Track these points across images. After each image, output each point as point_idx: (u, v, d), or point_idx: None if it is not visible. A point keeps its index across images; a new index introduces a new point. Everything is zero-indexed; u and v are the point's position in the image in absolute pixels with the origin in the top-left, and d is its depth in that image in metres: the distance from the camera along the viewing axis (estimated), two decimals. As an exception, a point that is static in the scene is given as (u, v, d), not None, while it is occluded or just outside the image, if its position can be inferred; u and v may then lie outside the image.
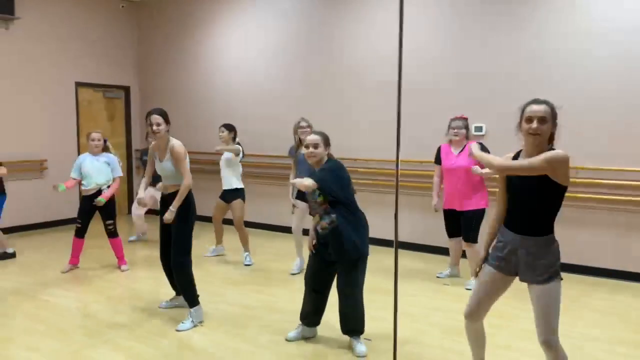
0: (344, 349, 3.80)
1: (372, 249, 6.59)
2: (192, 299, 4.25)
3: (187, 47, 8.81)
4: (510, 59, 5.94)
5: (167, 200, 4.30)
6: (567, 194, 2.70)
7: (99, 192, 5.56)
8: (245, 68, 8.14)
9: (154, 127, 4.19)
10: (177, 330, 4.09)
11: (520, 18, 5.83)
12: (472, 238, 5.08)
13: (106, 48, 8.96)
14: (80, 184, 5.65)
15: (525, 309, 4.47)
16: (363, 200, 6.86)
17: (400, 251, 6.50)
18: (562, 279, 2.68)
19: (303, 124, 5.44)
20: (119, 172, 5.73)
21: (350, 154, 6.87)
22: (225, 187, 6.03)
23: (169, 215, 4.14)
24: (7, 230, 6.87)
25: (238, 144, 6.00)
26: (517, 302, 4.54)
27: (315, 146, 3.67)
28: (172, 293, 4.71)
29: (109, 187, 5.61)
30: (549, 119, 2.59)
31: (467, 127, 5.14)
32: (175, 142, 4.25)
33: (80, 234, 5.69)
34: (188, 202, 4.23)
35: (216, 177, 7.80)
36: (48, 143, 8.12)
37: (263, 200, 7.88)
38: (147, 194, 6.69)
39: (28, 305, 4.65)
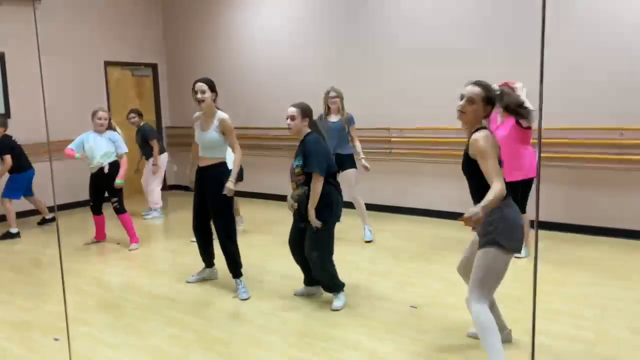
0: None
1: (409, 219, 6.68)
2: (237, 269, 4.36)
3: (212, 21, 8.74)
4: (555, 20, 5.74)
5: (203, 173, 4.29)
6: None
7: (101, 169, 5.65)
8: (272, 38, 8.04)
9: (199, 95, 4.16)
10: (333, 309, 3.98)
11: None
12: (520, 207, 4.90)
13: (132, 26, 8.95)
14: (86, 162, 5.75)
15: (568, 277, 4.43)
16: (398, 169, 6.89)
17: (440, 220, 6.51)
18: (503, 250, 2.70)
19: (332, 93, 5.51)
20: (124, 149, 5.76)
21: (383, 123, 6.80)
22: None
23: (231, 186, 4.13)
24: (49, 209, 7.02)
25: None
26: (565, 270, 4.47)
27: (292, 118, 3.84)
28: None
29: (111, 163, 5.65)
30: (478, 101, 2.72)
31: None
32: (223, 115, 4.24)
33: (96, 211, 5.88)
34: (225, 175, 4.23)
35: (250, 152, 7.83)
36: (80, 122, 8.17)
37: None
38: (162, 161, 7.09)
39: (75, 281, 4.76)
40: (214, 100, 4.26)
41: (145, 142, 7.08)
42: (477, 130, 2.77)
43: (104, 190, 5.75)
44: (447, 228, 6.16)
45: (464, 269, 3.11)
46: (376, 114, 6.43)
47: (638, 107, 5.36)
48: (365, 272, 4.78)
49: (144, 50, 9.18)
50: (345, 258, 5.06)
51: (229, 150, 4.38)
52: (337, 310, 3.91)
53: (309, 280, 4.19)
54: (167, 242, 6.16)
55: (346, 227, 6.00)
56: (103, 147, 5.62)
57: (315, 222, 3.77)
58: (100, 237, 6.02)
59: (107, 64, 8.61)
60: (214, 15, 8.69)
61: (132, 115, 7.18)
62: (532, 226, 4.74)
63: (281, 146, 7.87)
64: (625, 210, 5.56)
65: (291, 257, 4.19)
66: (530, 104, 3.94)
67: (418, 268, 4.85)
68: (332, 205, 3.84)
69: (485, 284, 2.77)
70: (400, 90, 6.81)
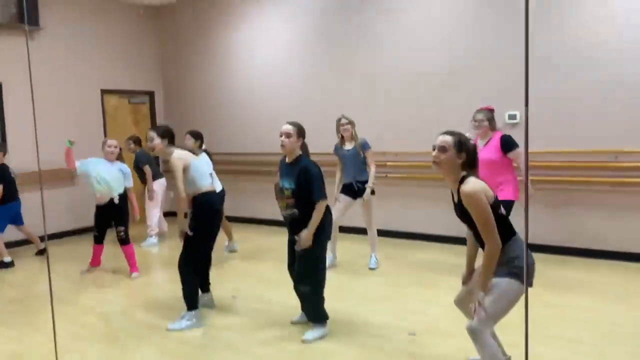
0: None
1: (407, 243, 6.65)
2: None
3: (208, 49, 8.83)
4: (542, 42, 5.82)
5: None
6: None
7: (111, 201, 5.63)
8: (267, 67, 8.12)
9: (148, 143, 4.41)
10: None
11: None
12: None
13: (129, 54, 9.03)
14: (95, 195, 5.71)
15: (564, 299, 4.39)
16: (397, 193, 6.89)
17: (438, 245, 6.48)
18: (521, 283, 2.67)
19: (343, 120, 5.49)
20: (131, 183, 5.82)
21: (381, 147, 6.81)
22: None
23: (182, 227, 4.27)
24: (40, 238, 6.96)
25: (205, 151, 5.54)
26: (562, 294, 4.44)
27: (288, 135, 3.79)
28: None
29: (120, 195, 5.66)
30: (450, 148, 2.74)
31: (491, 119, 4.87)
32: (174, 155, 4.30)
33: (98, 241, 5.88)
34: (201, 206, 4.31)
35: (242, 178, 7.85)
36: (76, 151, 8.15)
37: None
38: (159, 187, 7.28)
39: (69, 310, 4.69)
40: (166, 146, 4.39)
41: (139, 170, 7.12)
42: (463, 179, 2.75)
43: (111, 220, 5.75)
44: (445, 252, 6.12)
45: (462, 302, 3.08)
46: (371, 138, 6.41)
47: (631, 130, 5.39)
48: (362, 298, 4.73)
49: (141, 78, 9.24)
50: (341, 284, 5.02)
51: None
52: (308, 342, 3.79)
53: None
54: (164, 270, 6.10)
55: (342, 252, 5.98)
56: (114, 176, 5.61)
57: (307, 244, 3.71)
58: (95, 263, 5.98)
59: (104, 92, 8.66)
60: (210, 44, 8.77)
61: (129, 142, 7.25)
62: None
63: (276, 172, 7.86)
64: (622, 233, 5.54)
65: (286, 284, 4.15)
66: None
67: (416, 294, 4.81)
68: (325, 225, 3.82)
69: (496, 312, 2.73)
70: (396, 114, 6.85)
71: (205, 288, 4.67)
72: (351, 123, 5.48)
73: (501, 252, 2.69)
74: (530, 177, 5.42)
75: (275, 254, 6.38)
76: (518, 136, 5.75)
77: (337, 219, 5.41)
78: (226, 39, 8.58)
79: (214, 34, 8.72)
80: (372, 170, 5.48)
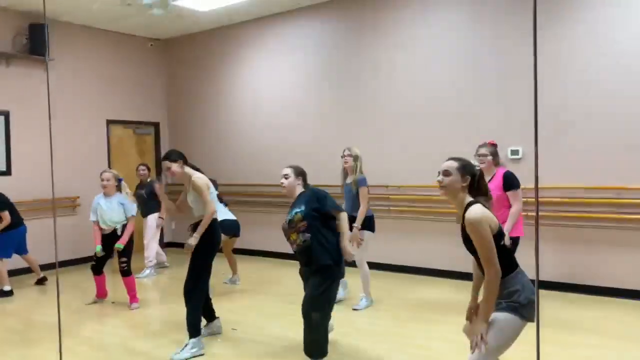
0: None
1: (411, 278, 6.60)
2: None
3: (215, 82, 8.96)
4: (546, 79, 5.90)
5: (194, 227, 4.41)
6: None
7: (114, 231, 5.62)
8: (272, 100, 8.23)
9: (168, 174, 4.42)
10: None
11: (553, 33, 5.82)
12: None
13: (136, 85, 9.17)
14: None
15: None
16: (397, 227, 6.88)
17: (441, 279, 6.43)
18: (522, 319, 2.64)
19: (346, 152, 5.43)
20: (132, 212, 5.75)
21: (381, 181, 6.84)
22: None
23: (192, 241, 4.23)
24: (43, 267, 6.93)
25: (212, 180, 5.84)
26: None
27: (286, 177, 3.96)
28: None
29: (123, 226, 5.64)
30: (454, 172, 2.78)
31: (494, 154, 4.79)
32: (195, 176, 4.39)
33: (96, 271, 5.78)
34: (211, 233, 4.33)
35: (249, 209, 7.86)
36: (80, 180, 8.24)
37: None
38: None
39: (69, 342, 4.64)
40: (182, 168, 4.46)
41: (150, 197, 7.19)
42: (469, 205, 2.76)
43: (112, 251, 5.72)
44: (448, 287, 6.08)
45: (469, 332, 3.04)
46: (374, 172, 6.45)
47: (636, 166, 5.42)
48: (364, 333, 4.68)
49: (147, 109, 9.35)
50: (345, 317, 4.97)
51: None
52: None
53: None
54: (163, 301, 6.06)
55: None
56: (114, 213, 5.59)
57: (351, 255, 3.79)
58: (101, 294, 5.92)
59: (110, 122, 8.76)
60: (216, 77, 8.91)
61: (142, 168, 7.40)
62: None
63: (280, 203, 7.88)
64: (629, 270, 5.51)
65: (288, 317, 4.10)
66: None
67: (419, 328, 4.76)
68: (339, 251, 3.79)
69: (495, 347, 2.69)
70: (398, 148, 6.90)
71: (211, 316, 4.68)
72: (351, 155, 5.37)
73: (501, 285, 2.67)
74: (533, 213, 5.42)
75: (275, 288, 6.36)
76: (520, 172, 5.80)
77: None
78: (231, 72, 8.72)
79: (220, 67, 8.86)
80: (361, 209, 5.23)
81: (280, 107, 8.13)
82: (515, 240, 4.54)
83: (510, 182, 4.58)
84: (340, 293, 5.62)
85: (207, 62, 9.04)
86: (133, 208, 5.79)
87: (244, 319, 5.14)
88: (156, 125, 9.55)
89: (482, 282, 2.90)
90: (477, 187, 2.82)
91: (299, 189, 3.95)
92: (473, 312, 3.02)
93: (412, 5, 6.78)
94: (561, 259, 5.82)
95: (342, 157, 5.47)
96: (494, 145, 4.88)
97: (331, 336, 3.97)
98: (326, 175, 6.10)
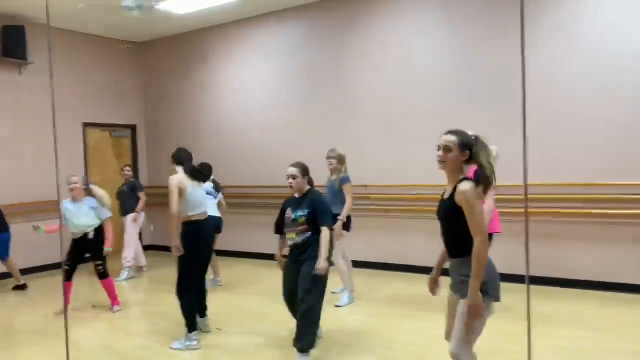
0: None
1: (393, 275, 6.71)
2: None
3: (192, 85, 8.96)
4: (514, 79, 6.09)
5: None
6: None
7: (86, 234, 5.49)
8: (249, 103, 8.27)
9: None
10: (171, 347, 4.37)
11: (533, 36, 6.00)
12: None
13: (113, 88, 9.11)
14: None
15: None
16: (377, 226, 7.00)
17: (422, 276, 6.53)
18: (489, 298, 2.74)
19: (330, 154, 5.58)
20: (107, 213, 5.63)
21: (361, 181, 6.94)
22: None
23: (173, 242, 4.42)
24: (23, 272, 6.85)
25: (214, 181, 6.56)
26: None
27: (294, 177, 4.11)
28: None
29: (96, 230, 5.51)
30: (455, 148, 2.85)
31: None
32: (171, 177, 4.61)
33: (68, 276, 5.57)
34: (189, 234, 4.47)
35: (231, 211, 7.87)
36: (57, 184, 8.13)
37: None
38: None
39: (53, 345, 4.61)
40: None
41: (130, 196, 7.33)
42: (462, 180, 2.85)
43: (85, 254, 5.61)
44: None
45: (449, 332, 3.06)
46: (353, 171, 6.55)
47: (615, 163, 5.64)
48: (349, 330, 4.77)
49: (124, 112, 9.30)
50: (329, 314, 5.04)
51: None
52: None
53: None
54: (144, 303, 6.04)
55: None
56: (82, 217, 5.47)
57: (324, 268, 3.85)
58: (66, 301, 5.83)
59: (86, 125, 8.68)
60: (193, 80, 8.91)
61: (127, 168, 7.56)
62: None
63: (257, 204, 7.93)
64: (604, 264, 5.72)
65: (273, 317, 4.16)
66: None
67: (402, 325, 4.86)
68: (331, 250, 4.05)
69: (473, 332, 2.80)
70: (378, 148, 7.02)
71: (202, 313, 4.78)
72: (335, 157, 5.54)
73: (467, 265, 2.73)
74: (514, 210, 5.59)
75: (255, 287, 6.40)
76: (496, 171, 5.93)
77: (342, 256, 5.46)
78: (208, 75, 8.73)
79: (197, 70, 8.87)
80: (347, 203, 5.41)
81: (258, 109, 8.18)
82: (489, 237, 4.63)
83: (479, 181, 4.55)
84: (349, 297, 5.67)
85: (184, 64, 9.03)
86: (106, 211, 5.64)
87: (230, 319, 5.18)
88: (133, 128, 9.49)
89: (444, 261, 3.00)
90: (473, 158, 2.92)
91: (307, 187, 4.17)
92: (433, 282, 3.16)
93: (390, 6, 6.92)
94: (538, 253, 6.01)
95: (327, 158, 5.57)
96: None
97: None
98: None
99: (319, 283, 3.91)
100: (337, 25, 7.36)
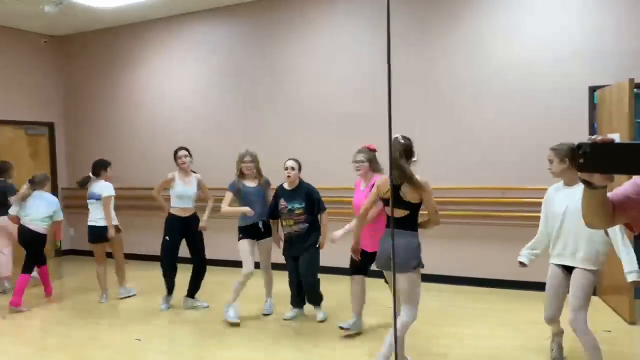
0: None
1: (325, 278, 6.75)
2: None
3: (114, 81, 8.63)
4: (441, 86, 6.31)
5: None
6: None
7: None
8: (175, 101, 8.08)
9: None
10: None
11: (450, 46, 6.23)
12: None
13: (28, 84, 8.62)
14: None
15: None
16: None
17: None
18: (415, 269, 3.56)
19: (247, 158, 5.14)
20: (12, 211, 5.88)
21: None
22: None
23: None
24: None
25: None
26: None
27: (293, 168, 4.91)
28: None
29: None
30: (366, 160, 4.49)
31: (372, 159, 4.44)
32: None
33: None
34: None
35: (152, 213, 7.65)
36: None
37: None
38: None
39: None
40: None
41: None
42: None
43: None
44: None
45: None
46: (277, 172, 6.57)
47: (516, 170, 5.94)
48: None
49: (40, 109, 8.83)
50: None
51: None
52: (323, 322, 5.00)
53: (297, 302, 5.21)
54: (58, 313, 5.74)
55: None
56: None
57: (333, 239, 4.64)
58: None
59: (-3, 122, 8.19)
60: (115, 76, 8.59)
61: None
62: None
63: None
64: (506, 262, 6.02)
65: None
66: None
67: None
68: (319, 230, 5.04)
69: (417, 299, 3.63)
70: (303, 149, 7.04)
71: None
72: (253, 161, 5.16)
73: (415, 241, 3.60)
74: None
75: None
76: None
77: (251, 270, 4.99)
78: (130, 72, 8.45)
79: (119, 66, 8.55)
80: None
81: (183, 107, 8.01)
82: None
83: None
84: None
85: (106, 60, 8.69)
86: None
87: (149, 328, 5.05)
88: (50, 126, 9.03)
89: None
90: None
91: (298, 180, 4.97)
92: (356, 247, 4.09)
93: (313, 8, 6.97)
94: (450, 254, 6.26)
95: (242, 162, 5.15)
96: (373, 150, 4.54)
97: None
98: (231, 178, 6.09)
99: (315, 263, 4.95)
100: (263, 26, 7.31)
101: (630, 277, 3.32)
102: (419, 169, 6.10)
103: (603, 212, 1.66)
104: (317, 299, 5.13)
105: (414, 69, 6.40)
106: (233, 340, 4.62)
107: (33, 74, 8.71)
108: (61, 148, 9.15)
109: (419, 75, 6.39)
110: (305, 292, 5.09)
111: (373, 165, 4.51)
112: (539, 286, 5.93)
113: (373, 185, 4.09)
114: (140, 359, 4.28)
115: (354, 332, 4.61)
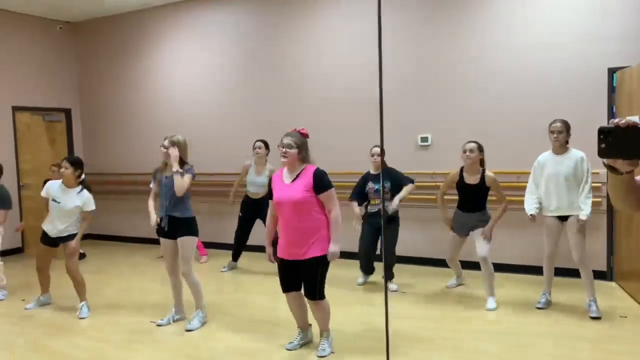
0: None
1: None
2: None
3: (129, 67, 8.68)
4: (453, 68, 6.22)
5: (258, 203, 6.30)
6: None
7: None
8: (189, 86, 8.11)
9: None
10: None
11: (461, 26, 6.13)
12: (318, 295, 3.79)
13: (45, 70, 8.72)
14: None
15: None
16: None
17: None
18: None
19: (166, 142, 4.57)
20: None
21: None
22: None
23: None
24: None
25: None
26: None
27: (379, 155, 5.36)
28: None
29: None
30: (476, 150, 4.87)
31: (301, 146, 3.72)
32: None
33: None
34: None
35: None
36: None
37: (215, 219, 7.84)
38: None
39: None
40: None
41: None
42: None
43: None
44: (347, 266, 6.32)
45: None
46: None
47: (536, 153, 5.85)
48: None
49: (57, 95, 8.93)
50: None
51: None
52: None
53: (370, 270, 5.80)
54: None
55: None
56: None
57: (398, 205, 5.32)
58: None
59: (16, 109, 8.29)
60: (130, 62, 8.64)
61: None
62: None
63: (201, 192, 7.82)
64: (511, 247, 5.97)
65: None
66: None
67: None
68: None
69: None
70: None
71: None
72: (170, 146, 4.53)
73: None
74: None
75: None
76: (429, 159, 6.11)
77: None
78: (146, 57, 8.49)
79: (134, 51, 8.60)
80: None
81: (196, 92, 8.03)
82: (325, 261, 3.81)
83: (324, 182, 3.68)
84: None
85: (120, 44, 8.73)
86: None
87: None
88: (67, 112, 9.13)
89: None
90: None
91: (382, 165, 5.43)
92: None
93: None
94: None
95: (162, 146, 4.61)
96: (305, 136, 3.83)
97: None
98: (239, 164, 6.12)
99: (395, 236, 5.51)
100: (274, 13, 7.28)
101: (583, 216, 4.41)
102: (433, 154, 6.14)
103: (633, 198, 1.55)
104: (390, 275, 5.57)
105: (428, 51, 6.31)
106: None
107: (49, 61, 8.79)
108: (78, 134, 9.25)
109: (434, 57, 6.30)
110: (385, 265, 5.20)
111: (302, 153, 3.73)
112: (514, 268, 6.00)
113: (308, 178, 3.64)
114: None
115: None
